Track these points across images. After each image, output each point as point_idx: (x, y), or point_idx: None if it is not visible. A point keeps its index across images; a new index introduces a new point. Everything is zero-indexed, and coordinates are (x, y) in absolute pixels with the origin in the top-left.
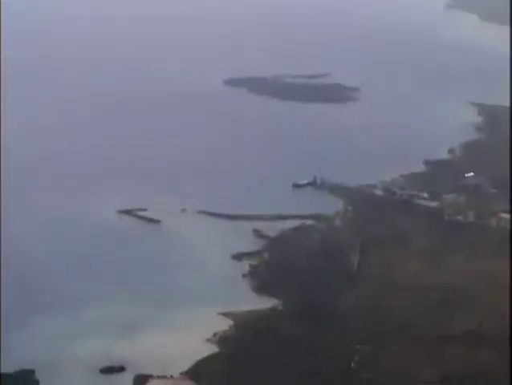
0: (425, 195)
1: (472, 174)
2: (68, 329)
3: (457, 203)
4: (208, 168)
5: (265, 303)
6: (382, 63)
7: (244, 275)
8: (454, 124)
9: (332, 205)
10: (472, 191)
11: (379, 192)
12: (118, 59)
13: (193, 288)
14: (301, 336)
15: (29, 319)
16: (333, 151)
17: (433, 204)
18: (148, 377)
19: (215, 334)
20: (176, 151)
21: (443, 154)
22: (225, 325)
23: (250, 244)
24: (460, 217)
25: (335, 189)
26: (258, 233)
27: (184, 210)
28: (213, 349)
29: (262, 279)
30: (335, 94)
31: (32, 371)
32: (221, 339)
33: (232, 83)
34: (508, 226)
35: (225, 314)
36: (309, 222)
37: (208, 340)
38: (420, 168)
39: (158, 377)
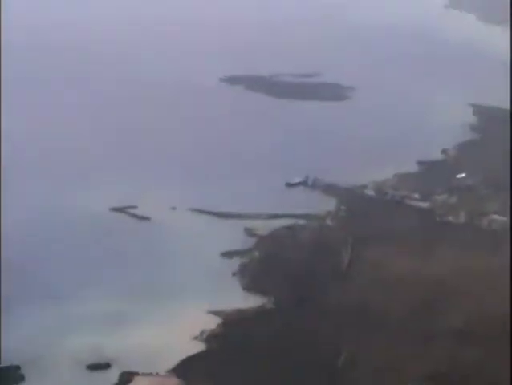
0: (417, 195)
1: (463, 175)
2: (54, 325)
3: (448, 204)
4: (200, 165)
5: (254, 301)
6: (377, 63)
7: (234, 273)
8: (449, 125)
9: (324, 205)
10: (464, 192)
11: (370, 193)
12: (112, 56)
13: (182, 285)
14: (290, 335)
15: (13, 315)
16: (326, 150)
17: (425, 204)
18: (133, 374)
19: (203, 332)
20: (169, 148)
21: (437, 154)
22: (213, 323)
23: (241, 242)
24: (451, 218)
25: (328, 189)
26: (250, 232)
27: (175, 208)
28: (201, 347)
29: (252, 277)
30: (331, 92)
31: (18, 367)
32: (209, 337)
33: (229, 80)
34: (499, 228)
35: (214, 312)
36: (301, 221)
37: (195, 338)
38: (414, 168)
39: (144, 374)
